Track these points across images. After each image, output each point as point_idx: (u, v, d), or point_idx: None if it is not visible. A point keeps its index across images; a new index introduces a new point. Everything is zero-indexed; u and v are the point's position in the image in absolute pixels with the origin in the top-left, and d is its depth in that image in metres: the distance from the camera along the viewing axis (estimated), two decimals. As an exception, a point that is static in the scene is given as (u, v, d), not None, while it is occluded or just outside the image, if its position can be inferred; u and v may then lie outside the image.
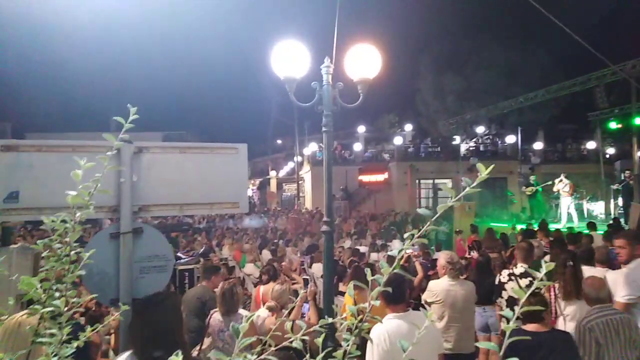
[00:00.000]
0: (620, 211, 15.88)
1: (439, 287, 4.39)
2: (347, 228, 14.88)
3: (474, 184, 1.07)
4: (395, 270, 1.10)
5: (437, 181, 24.98)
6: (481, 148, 25.27)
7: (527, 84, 22.35)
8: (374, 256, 8.84)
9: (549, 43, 25.15)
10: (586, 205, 17.87)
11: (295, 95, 4.28)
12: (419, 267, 5.79)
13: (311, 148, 26.10)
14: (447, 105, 28.25)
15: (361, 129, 27.44)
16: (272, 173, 36.74)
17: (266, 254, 8.82)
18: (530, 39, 25.30)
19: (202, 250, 9.46)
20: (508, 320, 0.96)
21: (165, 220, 12.83)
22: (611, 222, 11.82)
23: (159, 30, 39.65)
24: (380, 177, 24.83)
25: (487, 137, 25.96)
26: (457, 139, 24.43)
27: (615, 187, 16.34)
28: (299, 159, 29.18)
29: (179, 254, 7.89)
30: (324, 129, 4.16)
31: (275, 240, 11.48)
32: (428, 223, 1.14)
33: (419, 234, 1.12)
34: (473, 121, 24.87)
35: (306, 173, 28.28)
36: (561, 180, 15.02)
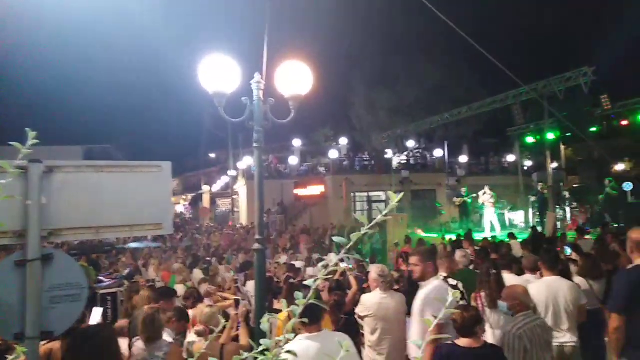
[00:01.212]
0: (537, 220, 17.23)
1: (371, 301, 4.44)
2: (283, 243, 14.74)
3: (393, 204, 1.08)
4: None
5: (371, 194, 25.66)
6: (412, 161, 26.37)
7: (452, 100, 23.76)
8: (310, 271, 8.80)
9: (472, 63, 26.92)
10: (507, 215, 19.19)
11: (227, 109, 4.18)
12: (353, 281, 5.84)
13: (246, 162, 25.72)
14: (380, 120, 29.23)
15: (297, 142, 27.57)
16: (205, 188, 35.71)
17: (198, 274, 8.48)
18: (456, 58, 26.95)
19: (126, 272, 8.90)
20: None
21: (85, 242, 11.96)
22: (529, 230, 12.77)
23: (85, 37, 37.45)
24: (316, 191, 25.03)
25: (417, 150, 27.17)
26: (390, 153, 25.36)
27: (533, 199, 17.75)
28: (234, 173, 28.66)
29: (100, 277, 7.36)
30: (255, 144, 4.10)
31: (208, 258, 11.08)
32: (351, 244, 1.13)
33: (341, 253, 1.11)
34: (404, 136, 25.98)
35: (241, 187, 27.81)
36: (485, 192, 16.08)
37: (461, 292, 4.79)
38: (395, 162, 25.34)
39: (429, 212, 22.13)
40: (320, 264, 1.17)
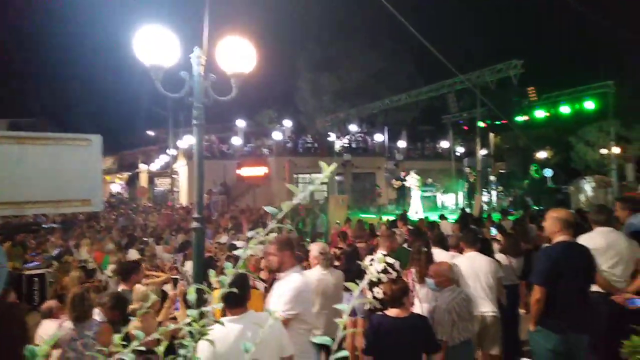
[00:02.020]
0: (466, 202, 18.32)
1: (310, 277, 4.55)
2: (224, 223, 14.57)
3: (327, 174, 1.13)
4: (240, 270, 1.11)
5: (313, 175, 25.89)
6: (353, 145, 26.88)
7: (393, 87, 24.37)
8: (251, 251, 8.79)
9: (413, 51, 27.67)
10: (440, 197, 20.24)
11: (166, 84, 4.04)
12: (292, 260, 5.95)
13: (187, 141, 24.93)
14: (324, 104, 29.43)
15: (241, 123, 27.04)
16: (143, 166, 34.20)
17: (133, 254, 8.20)
18: (398, 45, 27.55)
19: (56, 252, 8.42)
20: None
21: (10, 220, 11.15)
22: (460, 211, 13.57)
23: (14, 4, 33.93)
24: (259, 172, 24.83)
25: (359, 135, 27.71)
26: (333, 136, 25.68)
27: (465, 186, 18.88)
28: (174, 152, 27.67)
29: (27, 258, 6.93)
30: (194, 121, 4.00)
31: (145, 239, 10.73)
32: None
33: (266, 231, 1.15)
34: (346, 120, 26.35)
35: (181, 167, 26.96)
36: (412, 176, 17.16)
37: (394, 268, 5.07)
38: (338, 145, 25.71)
39: (369, 194, 22.82)
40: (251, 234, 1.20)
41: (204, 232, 4.22)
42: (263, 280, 5.36)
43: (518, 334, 5.56)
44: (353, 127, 26.76)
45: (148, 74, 3.99)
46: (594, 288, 3.96)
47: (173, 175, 28.25)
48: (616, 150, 18.61)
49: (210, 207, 19.61)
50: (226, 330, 2.39)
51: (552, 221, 3.76)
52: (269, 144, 26.61)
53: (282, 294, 3.25)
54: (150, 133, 35.63)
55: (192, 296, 1.10)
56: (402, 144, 27.23)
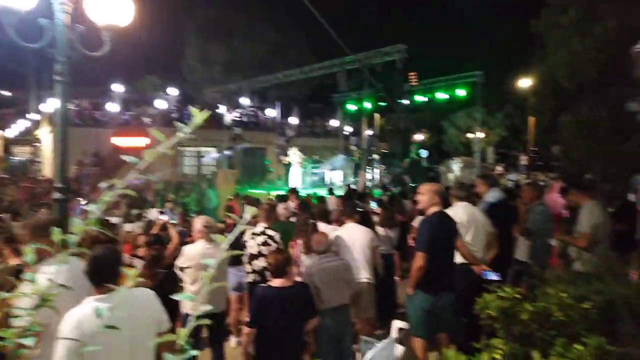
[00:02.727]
0: (352, 178, 19.27)
1: (193, 252, 4.37)
2: (97, 197, 13.32)
3: (189, 130, 1.03)
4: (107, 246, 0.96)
5: (201, 149, 24.86)
6: (245, 119, 26.31)
7: (286, 62, 24.25)
8: (128, 227, 8.15)
9: (306, 26, 27.74)
10: (328, 174, 20.96)
11: (27, 33, 3.44)
12: (174, 234, 5.64)
13: (52, 104, 22.00)
14: (213, 74, 28.16)
15: (118, 87, 24.60)
16: (-4, 132, 29.52)
17: (-18, 231, 7.05)
18: (292, 19, 27.34)
19: None
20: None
21: None
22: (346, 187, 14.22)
23: None
24: (139, 142, 23.00)
25: (251, 109, 27.19)
26: (223, 109, 24.79)
27: (353, 160, 19.87)
28: (36, 117, 24.28)
29: None
30: (57, 78, 3.49)
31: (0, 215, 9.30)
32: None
33: (124, 182, 1.01)
34: (237, 92, 25.62)
35: (46, 134, 23.82)
36: (294, 153, 17.75)
37: (274, 240, 5.10)
38: (228, 118, 24.94)
39: (259, 170, 22.68)
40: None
41: (66, 204, 3.74)
42: (141, 258, 5.00)
43: (394, 299, 6.01)
44: (244, 101, 26.12)
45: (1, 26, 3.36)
46: (459, 260, 4.41)
47: (35, 144, 24.86)
48: (480, 135, 21.03)
49: (80, 180, 17.74)
50: (90, 312, 2.16)
51: (430, 194, 4.08)
52: (151, 112, 24.71)
53: None
54: (6, 93, 30.78)
55: (30, 257, 0.92)
56: (293, 120, 27.40)
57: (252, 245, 5.09)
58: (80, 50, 3.65)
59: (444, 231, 4.02)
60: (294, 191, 9.65)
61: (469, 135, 24.70)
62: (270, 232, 5.16)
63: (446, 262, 4.03)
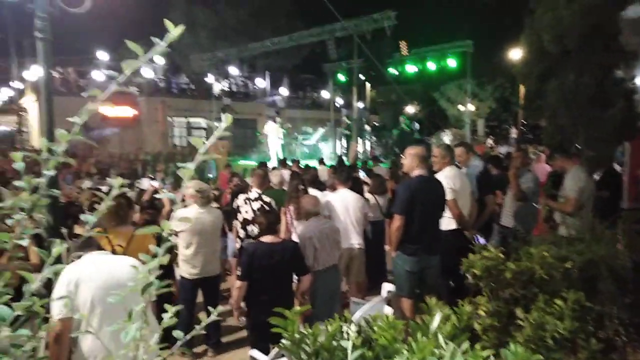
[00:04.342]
0: (344, 150, 19.28)
1: (187, 215, 4.40)
2: (87, 168, 13.24)
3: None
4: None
5: (191, 120, 24.55)
6: (234, 89, 25.91)
7: (274, 29, 23.57)
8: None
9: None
10: (320, 145, 20.96)
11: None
12: (166, 201, 5.68)
13: (35, 72, 21.36)
14: (200, 40, 27.36)
15: (103, 55, 23.89)
16: (-23, 101, 28.72)
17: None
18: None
19: None
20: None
21: None
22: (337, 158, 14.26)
23: None
24: (128, 113, 22.65)
25: (241, 78, 26.69)
26: (211, 78, 24.30)
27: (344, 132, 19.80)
28: (19, 85, 23.63)
29: None
30: (38, 35, 3.39)
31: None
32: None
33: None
34: (226, 60, 25.01)
35: (31, 103, 23.25)
36: (270, 125, 17.80)
37: (270, 205, 5.16)
38: (217, 88, 24.52)
39: (250, 141, 22.54)
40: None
41: (57, 177, 3.72)
42: (134, 223, 5.04)
43: (384, 265, 6.15)
44: (233, 70, 25.62)
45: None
46: (452, 226, 4.48)
47: (20, 113, 24.31)
48: (471, 107, 21.01)
49: (69, 150, 17.51)
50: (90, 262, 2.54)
51: (411, 158, 4.14)
52: (138, 81, 24.16)
53: None
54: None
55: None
56: (283, 91, 27.06)
57: (247, 209, 5.13)
58: (59, 5, 3.53)
59: (425, 194, 4.02)
60: (283, 161, 9.70)
61: (460, 107, 24.69)
62: (266, 198, 5.21)
63: (428, 225, 4.04)
